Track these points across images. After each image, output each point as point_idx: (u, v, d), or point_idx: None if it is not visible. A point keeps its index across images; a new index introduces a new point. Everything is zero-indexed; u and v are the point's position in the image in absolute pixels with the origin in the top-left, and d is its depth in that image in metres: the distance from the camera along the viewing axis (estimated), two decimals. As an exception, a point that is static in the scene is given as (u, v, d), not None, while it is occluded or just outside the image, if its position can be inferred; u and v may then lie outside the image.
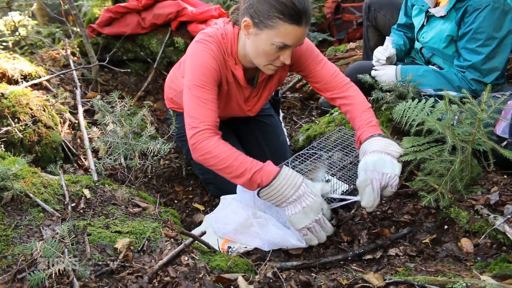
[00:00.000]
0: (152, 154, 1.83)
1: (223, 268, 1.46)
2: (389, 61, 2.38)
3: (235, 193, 2.03)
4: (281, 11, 1.66)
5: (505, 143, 1.82)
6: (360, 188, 1.64)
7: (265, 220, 1.86)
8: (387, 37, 2.44)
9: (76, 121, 2.59)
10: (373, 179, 1.62)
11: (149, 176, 2.54)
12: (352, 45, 3.43)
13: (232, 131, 2.46)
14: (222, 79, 1.95)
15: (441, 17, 2.14)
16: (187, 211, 2.37)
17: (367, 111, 1.90)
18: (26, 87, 2.53)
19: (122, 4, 3.53)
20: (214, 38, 1.90)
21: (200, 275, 1.36)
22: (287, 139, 2.77)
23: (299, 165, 2.07)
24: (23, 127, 2.16)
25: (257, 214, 1.89)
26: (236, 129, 2.48)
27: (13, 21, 3.86)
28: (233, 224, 1.87)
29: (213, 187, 2.37)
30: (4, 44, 4.18)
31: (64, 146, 2.36)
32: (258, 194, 1.69)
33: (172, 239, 1.56)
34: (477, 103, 1.63)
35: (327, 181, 1.91)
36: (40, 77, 2.76)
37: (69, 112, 2.64)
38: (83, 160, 2.38)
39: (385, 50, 2.35)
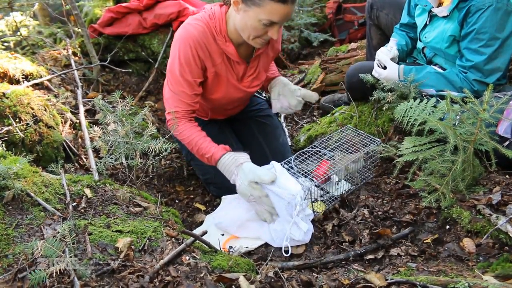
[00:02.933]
0: (153, 153, 1.83)
1: (224, 268, 1.46)
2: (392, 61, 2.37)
3: (236, 192, 2.03)
4: None
5: (507, 143, 1.82)
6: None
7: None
8: (391, 38, 2.43)
9: (77, 121, 2.59)
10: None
11: (150, 176, 2.54)
12: (353, 45, 3.42)
13: (233, 132, 2.46)
14: (206, 64, 2.04)
15: (444, 17, 2.13)
16: (188, 211, 2.37)
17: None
18: (27, 86, 2.53)
19: (123, 4, 3.53)
20: (202, 20, 2.00)
21: (201, 275, 1.36)
22: (288, 139, 2.77)
23: (301, 163, 2.07)
24: (24, 126, 2.16)
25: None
26: (236, 130, 2.48)
27: (15, 21, 3.86)
28: (234, 219, 1.88)
29: (214, 187, 2.37)
30: (5, 44, 4.17)
31: (65, 146, 2.36)
32: None
33: (173, 238, 1.56)
34: (479, 102, 1.63)
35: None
36: (41, 77, 2.76)
37: (70, 112, 2.65)
38: (84, 159, 2.38)
39: (389, 51, 2.35)
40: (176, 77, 2.03)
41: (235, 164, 1.93)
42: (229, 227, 1.92)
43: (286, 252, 1.77)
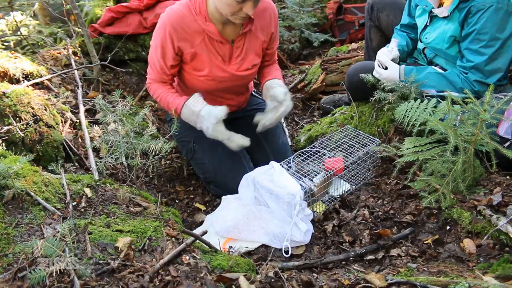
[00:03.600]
0: (153, 153, 1.83)
1: (224, 268, 1.46)
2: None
3: (236, 192, 2.03)
4: None
5: (507, 143, 1.82)
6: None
7: (266, 214, 1.87)
8: (392, 39, 2.43)
9: (78, 120, 2.58)
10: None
11: (150, 176, 2.53)
12: (354, 45, 3.42)
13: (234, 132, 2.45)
14: (182, 48, 2.11)
15: (444, 17, 2.13)
16: (188, 211, 2.37)
17: (279, 70, 2.44)
18: (27, 86, 2.52)
19: (123, 4, 3.52)
20: (182, 3, 2.09)
21: (201, 275, 1.36)
22: (289, 140, 2.77)
23: (301, 162, 2.07)
24: (25, 126, 2.16)
25: (258, 208, 1.90)
26: (237, 130, 2.47)
27: (15, 21, 3.86)
28: (233, 221, 1.88)
29: (214, 186, 2.37)
30: (6, 43, 4.17)
31: (65, 145, 2.36)
32: None
33: (173, 238, 1.56)
34: (479, 103, 1.62)
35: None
36: (41, 76, 2.76)
37: (71, 111, 2.64)
38: (84, 159, 2.38)
39: (390, 52, 2.34)
40: (152, 53, 2.17)
41: (195, 114, 2.10)
42: (228, 231, 1.91)
43: (286, 252, 1.77)
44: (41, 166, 1.91)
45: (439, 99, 2.04)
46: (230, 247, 1.84)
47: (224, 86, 2.27)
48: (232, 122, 2.47)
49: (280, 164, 1.99)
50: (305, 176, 1.97)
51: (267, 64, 2.42)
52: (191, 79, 2.23)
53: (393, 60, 2.33)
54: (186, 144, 2.42)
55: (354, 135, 2.19)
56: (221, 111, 2.07)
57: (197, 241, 1.57)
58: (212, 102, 2.35)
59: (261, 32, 2.22)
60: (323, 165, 2.05)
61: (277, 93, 2.16)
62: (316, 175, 2.00)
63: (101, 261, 1.33)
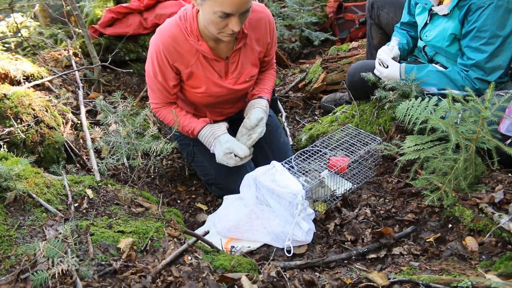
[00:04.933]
0: (154, 154, 1.83)
1: (226, 268, 1.46)
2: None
3: (238, 192, 2.03)
4: None
5: (509, 141, 1.81)
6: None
7: (267, 213, 1.87)
8: (393, 37, 2.42)
9: (79, 122, 2.59)
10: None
11: (152, 176, 2.54)
12: (354, 44, 3.42)
13: (234, 133, 2.45)
14: (178, 67, 2.08)
15: (444, 15, 2.13)
16: (190, 211, 2.37)
17: (271, 80, 2.40)
18: (28, 87, 2.53)
19: (124, 5, 3.53)
20: (172, 23, 2.04)
21: (204, 275, 1.36)
22: (290, 139, 2.77)
23: (302, 162, 2.07)
24: (26, 127, 2.16)
25: (260, 208, 1.90)
26: (237, 131, 2.48)
27: (16, 23, 3.86)
28: (235, 221, 1.88)
29: (216, 187, 2.37)
30: (6, 45, 4.17)
31: (67, 147, 2.36)
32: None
33: (175, 238, 1.56)
34: (480, 101, 1.62)
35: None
36: (42, 77, 2.76)
37: (72, 112, 2.65)
38: (86, 160, 2.38)
39: (390, 50, 2.34)
40: (151, 78, 2.13)
41: (213, 136, 2.16)
42: (230, 231, 1.92)
43: (288, 251, 1.77)
44: (42, 168, 1.91)
45: (440, 97, 2.03)
46: (232, 247, 1.84)
47: (223, 100, 2.27)
48: (232, 124, 2.47)
49: (282, 164, 1.99)
50: (306, 176, 1.97)
51: (263, 70, 2.39)
52: (189, 95, 2.22)
53: (393, 58, 2.32)
54: (186, 147, 2.43)
55: (355, 134, 2.19)
56: (243, 150, 2.11)
57: (199, 241, 1.57)
58: (211, 114, 2.35)
59: (256, 43, 2.17)
60: (328, 163, 2.05)
61: (251, 120, 2.17)
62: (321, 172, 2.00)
63: (103, 262, 1.33)
